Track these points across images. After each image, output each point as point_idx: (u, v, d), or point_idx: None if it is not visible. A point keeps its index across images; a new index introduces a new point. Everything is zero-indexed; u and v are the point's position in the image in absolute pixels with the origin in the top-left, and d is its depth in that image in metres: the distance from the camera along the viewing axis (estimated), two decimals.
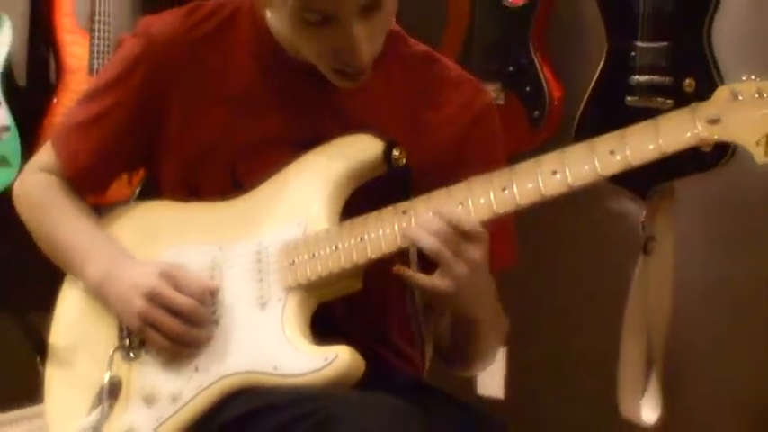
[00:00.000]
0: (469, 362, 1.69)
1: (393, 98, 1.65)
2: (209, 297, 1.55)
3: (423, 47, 1.71)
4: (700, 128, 1.42)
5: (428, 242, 1.45)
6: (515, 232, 1.71)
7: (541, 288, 3.02)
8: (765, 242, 2.73)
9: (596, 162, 1.45)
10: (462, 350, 1.66)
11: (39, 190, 1.73)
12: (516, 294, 2.94)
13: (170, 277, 1.55)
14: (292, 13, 1.49)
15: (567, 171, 1.46)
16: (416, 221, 1.48)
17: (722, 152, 2.40)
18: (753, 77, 1.42)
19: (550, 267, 3.01)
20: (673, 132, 1.43)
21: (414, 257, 1.60)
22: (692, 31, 2.51)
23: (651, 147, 1.43)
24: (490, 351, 1.68)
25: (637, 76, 2.57)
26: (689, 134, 1.42)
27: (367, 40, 1.50)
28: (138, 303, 1.54)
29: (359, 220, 1.54)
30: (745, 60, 2.56)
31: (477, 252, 1.46)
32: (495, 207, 1.48)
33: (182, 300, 1.53)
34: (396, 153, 1.57)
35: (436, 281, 1.47)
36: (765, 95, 1.40)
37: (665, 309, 2.65)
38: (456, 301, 1.50)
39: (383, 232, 1.52)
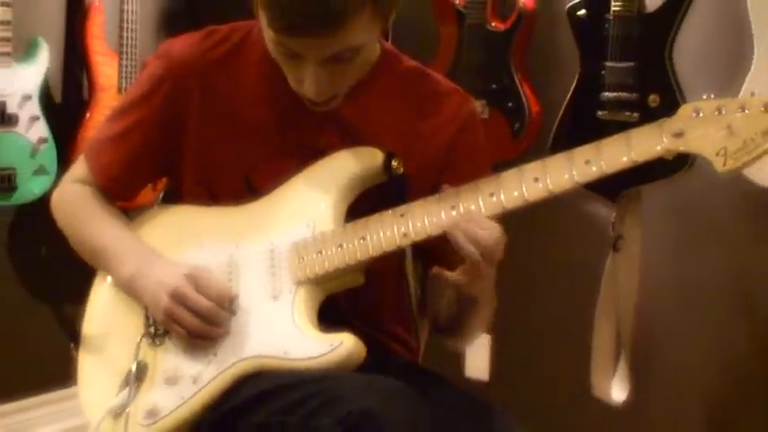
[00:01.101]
0: (464, 333, 1.69)
1: (389, 110, 1.66)
2: (227, 302, 1.55)
3: (414, 62, 1.72)
4: (666, 141, 1.43)
5: (469, 250, 1.46)
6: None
7: (522, 282, 3.02)
8: (722, 240, 2.74)
9: (574, 171, 1.46)
10: (461, 323, 1.66)
11: (74, 199, 1.73)
12: (500, 288, 2.95)
13: (193, 279, 1.55)
14: (271, 43, 1.51)
15: (548, 179, 1.47)
16: (462, 229, 1.48)
17: (683, 160, 2.41)
18: (712, 96, 1.43)
19: (530, 263, 3.01)
20: (642, 145, 1.44)
21: (409, 255, 1.60)
22: (655, 52, 2.51)
23: (624, 158, 1.44)
24: (482, 324, 1.68)
25: (606, 93, 2.57)
26: (657, 147, 1.43)
27: (327, 81, 1.51)
28: (164, 300, 1.54)
29: (361, 222, 1.55)
30: (703, 78, 2.57)
31: (499, 253, 1.48)
32: (483, 211, 1.49)
33: (202, 302, 1.53)
34: (394, 163, 1.58)
35: (463, 278, 1.50)
36: (723, 112, 1.41)
37: (632, 300, 2.66)
38: (471, 288, 1.52)
39: (383, 233, 1.53)
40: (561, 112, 2.66)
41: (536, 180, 1.47)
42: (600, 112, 2.57)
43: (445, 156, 1.65)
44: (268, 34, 1.50)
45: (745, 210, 2.67)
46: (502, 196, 1.48)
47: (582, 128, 2.60)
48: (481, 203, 1.49)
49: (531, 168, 1.48)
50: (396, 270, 1.66)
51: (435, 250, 1.59)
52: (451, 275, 1.50)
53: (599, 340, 2.68)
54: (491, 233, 1.47)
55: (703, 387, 2.80)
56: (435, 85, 1.70)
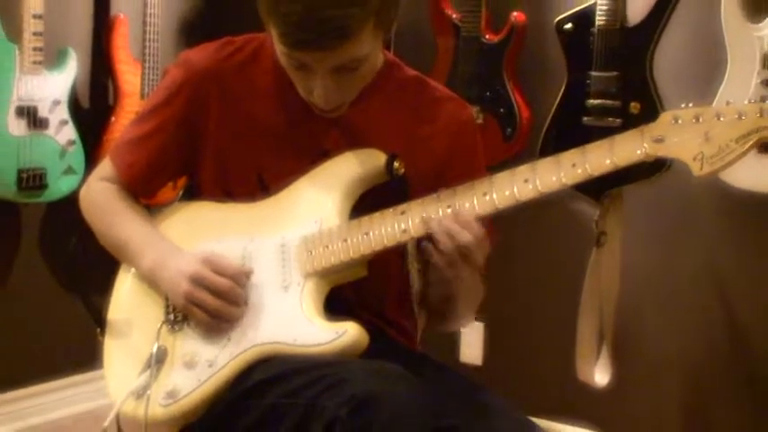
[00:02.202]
0: (450, 318, 1.69)
1: (391, 115, 1.65)
2: (244, 278, 1.55)
3: (414, 72, 1.71)
4: (647, 146, 1.42)
5: (444, 242, 1.47)
6: (492, 223, 1.70)
7: (513, 274, 3.02)
8: (698, 236, 2.74)
9: (561, 173, 1.45)
10: (444, 307, 1.66)
11: (101, 196, 1.72)
12: (494, 280, 2.95)
13: (210, 263, 1.55)
14: (282, 56, 1.51)
15: (537, 180, 1.46)
16: (441, 225, 1.48)
17: (662, 163, 2.41)
18: (691, 105, 1.42)
19: (521, 257, 3.01)
20: (625, 149, 1.43)
21: (411, 250, 1.60)
22: (637, 63, 2.51)
23: (607, 162, 1.43)
24: (466, 311, 1.68)
25: (591, 100, 2.57)
26: (638, 151, 1.43)
27: (335, 89, 1.51)
28: (185, 286, 1.54)
29: (365, 219, 1.55)
30: (680, 87, 2.57)
31: (477, 254, 1.48)
32: (477, 210, 1.49)
33: (221, 281, 1.53)
34: (396, 164, 1.58)
35: (440, 261, 1.49)
36: (701, 120, 1.40)
37: (614, 291, 2.66)
38: (448, 275, 1.51)
39: (384, 229, 1.52)
40: (549, 117, 2.66)
41: (526, 181, 1.47)
42: (585, 118, 2.56)
43: (443, 159, 1.64)
44: (279, 48, 1.49)
45: (719, 208, 2.67)
46: (495, 195, 1.48)
47: (568, 132, 2.59)
48: (476, 202, 1.49)
49: (522, 171, 1.48)
50: (397, 264, 1.65)
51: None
52: (433, 251, 1.49)
53: (583, 328, 2.68)
54: (470, 232, 1.46)
55: (680, 371, 2.80)
56: (434, 93, 1.69)
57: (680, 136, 1.40)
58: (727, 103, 1.40)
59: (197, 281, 1.53)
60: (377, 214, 1.54)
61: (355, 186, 1.59)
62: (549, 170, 1.46)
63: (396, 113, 1.65)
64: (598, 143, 1.45)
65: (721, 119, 1.38)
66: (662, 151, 1.42)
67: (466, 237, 1.46)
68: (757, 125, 1.36)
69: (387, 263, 1.61)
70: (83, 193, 1.76)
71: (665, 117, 1.42)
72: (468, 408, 1.51)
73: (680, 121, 1.41)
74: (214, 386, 1.51)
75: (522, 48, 2.81)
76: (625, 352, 2.76)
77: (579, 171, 1.44)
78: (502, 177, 1.49)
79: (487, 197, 1.48)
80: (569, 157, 1.46)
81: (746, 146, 1.37)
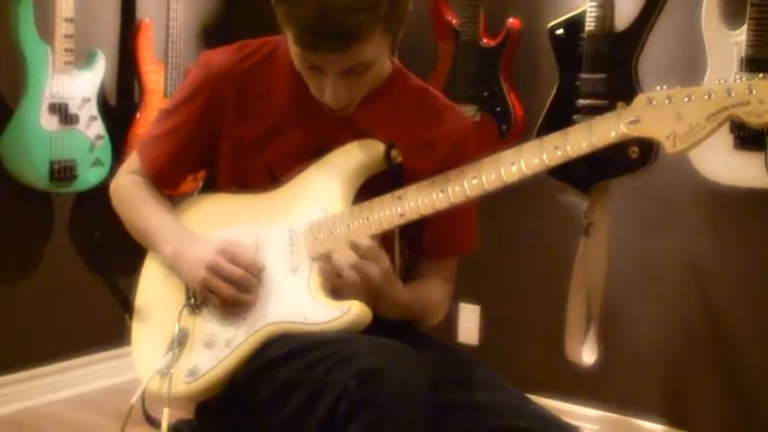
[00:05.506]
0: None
1: (395, 119, 1.64)
2: (256, 268, 1.54)
3: (420, 81, 1.70)
4: (623, 128, 1.40)
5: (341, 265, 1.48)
6: (477, 225, 1.70)
7: (510, 261, 3.03)
8: (678, 226, 2.74)
9: (544, 155, 1.44)
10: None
11: (128, 188, 1.72)
12: (492, 266, 2.96)
13: (226, 252, 1.54)
14: (296, 57, 1.51)
15: (522, 163, 1.45)
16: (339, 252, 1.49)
17: (646, 158, 2.41)
18: (664, 87, 1.40)
19: (517, 245, 3.01)
20: (602, 131, 1.41)
21: (396, 232, 1.59)
22: (623, 65, 2.51)
23: (584, 144, 1.41)
24: (422, 323, 1.67)
25: (581, 100, 2.57)
26: (613, 133, 1.40)
27: (345, 90, 1.51)
28: (202, 274, 1.54)
29: (366, 204, 1.54)
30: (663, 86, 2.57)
31: (372, 268, 1.48)
32: (468, 192, 1.48)
33: (235, 271, 1.53)
34: (394, 153, 1.57)
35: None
36: (673, 100, 1.38)
37: (600, 277, 2.66)
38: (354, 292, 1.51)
39: (383, 213, 1.52)
40: (542, 115, 2.65)
41: (512, 164, 1.45)
42: (575, 117, 2.56)
43: (442, 163, 1.60)
44: (293, 49, 1.49)
45: (697, 201, 2.68)
46: (483, 179, 1.47)
47: (560, 130, 2.59)
48: (466, 186, 1.48)
49: (508, 154, 1.47)
50: (387, 244, 1.65)
51: (419, 235, 1.62)
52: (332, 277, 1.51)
53: (572, 311, 2.68)
54: (357, 253, 1.48)
55: (660, 351, 2.80)
56: (437, 103, 1.68)
57: (653, 116, 1.38)
58: (698, 85, 1.39)
59: (213, 269, 1.53)
60: (376, 200, 1.53)
61: (357, 175, 1.58)
62: (533, 153, 1.44)
63: (400, 117, 1.64)
64: (579, 126, 1.42)
65: (692, 99, 1.36)
66: (637, 131, 1.39)
67: (352, 256, 1.47)
68: (725, 104, 1.34)
69: (385, 245, 1.60)
70: (113, 186, 1.76)
71: (639, 99, 1.40)
72: (467, 382, 1.51)
73: (654, 102, 1.38)
74: (232, 364, 1.51)
75: (517, 51, 2.81)
76: (610, 334, 2.77)
77: (559, 153, 1.42)
78: (489, 161, 1.48)
79: (476, 180, 1.47)
80: (552, 140, 1.43)
81: (716, 123, 1.34)
